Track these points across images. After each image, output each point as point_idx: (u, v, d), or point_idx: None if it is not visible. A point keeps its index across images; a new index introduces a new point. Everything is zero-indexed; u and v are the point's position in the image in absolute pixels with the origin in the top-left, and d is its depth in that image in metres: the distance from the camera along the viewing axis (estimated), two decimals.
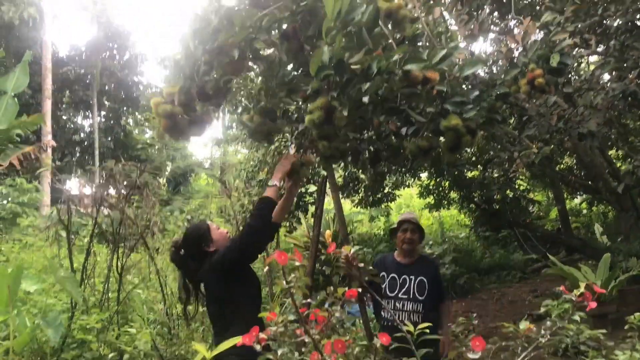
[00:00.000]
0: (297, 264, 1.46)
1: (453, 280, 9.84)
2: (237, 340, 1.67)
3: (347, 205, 12.08)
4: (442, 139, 2.44)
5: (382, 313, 3.72)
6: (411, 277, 3.77)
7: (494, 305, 8.70)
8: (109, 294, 5.65)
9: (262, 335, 1.48)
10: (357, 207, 11.51)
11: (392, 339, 1.61)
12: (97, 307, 5.36)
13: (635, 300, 6.78)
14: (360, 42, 2.09)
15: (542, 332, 1.61)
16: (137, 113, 25.30)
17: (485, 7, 6.57)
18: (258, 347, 1.51)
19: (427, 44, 2.50)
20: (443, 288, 3.98)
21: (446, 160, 3.09)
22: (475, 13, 6.45)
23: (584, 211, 13.26)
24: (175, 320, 5.81)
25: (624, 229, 8.30)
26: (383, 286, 3.70)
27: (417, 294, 3.75)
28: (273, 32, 2.54)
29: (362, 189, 10.53)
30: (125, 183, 6.69)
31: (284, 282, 1.43)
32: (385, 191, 11.05)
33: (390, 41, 2.13)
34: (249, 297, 3.03)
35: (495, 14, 6.87)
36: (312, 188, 9.18)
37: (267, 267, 5.61)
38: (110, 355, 4.55)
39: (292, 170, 2.96)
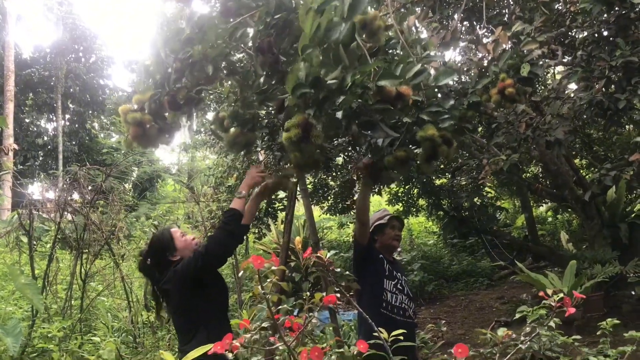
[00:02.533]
0: (273, 268, 1.40)
1: (421, 287, 9.87)
2: (208, 348, 1.60)
3: (316, 211, 12.04)
4: (418, 149, 2.42)
5: (385, 295, 3.60)
6: (398, 273, 3.73)
7: (462, 312, 8.75)
8: (72, 302, 5.48)
9: (235, 343, 1.42)
10: (326, 214, 11.47)
11: (390, 331, 1.58)
12: (59, 315, 5.20)
13: (599, 307, 6.89)
14: (337, 59, 2.05)
15: (522, 338, 1.59)
16: (102, 117, 24.85)
17: (455, 15, 6.65)
18: (230, 356, 1.45)
19: (402, 52, 2.48)
20: None
21: (423, 170, 3.08)
22: (445, 22, 6.51)
23: (550, 219, 13.49)
24: (141, 328, 5.67)
25: (588, 237, 8.44)
26: (385, 267, 3.63)
27: (409, 291, 3.73)
28: (248, 43, 2.51)
29: (332, 196, 10.49)
30: (89, 188, 6.53)
31: (260, 287, 1.37)
32: (355, 198, 11.04)
33: (364, 53, 2.11)
34: (215, 305, 2.97)
35: (466, 23, 6.95)
36: (282, 194, 9.11)
37: (241, 272, 5.53)
38: None
39: (266, 188, 2.94)
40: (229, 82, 2.95)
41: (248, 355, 1.44)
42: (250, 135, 2.79)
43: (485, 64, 3.77)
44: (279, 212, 9.25)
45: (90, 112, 24.24)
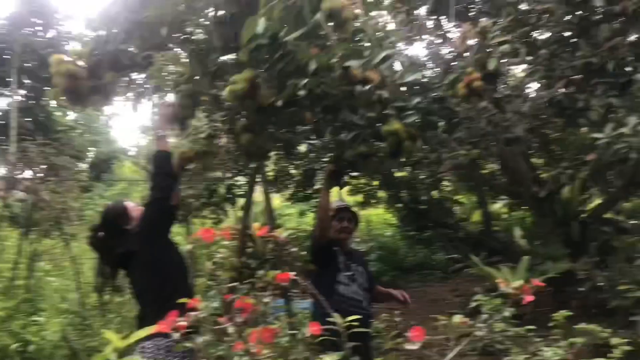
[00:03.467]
0: (225, 242, 1.34)
1: (377, 278, 9.90)
2: (153, 329, 1.53)
3: (277, 199, 11.96)
4: (382, 144, 2.38)
5: (337, 287, 3.60)
6: (354, 264, 3.72)
7: (416, 303, 8.83)
8: (17, 281, 5.29)
9: (181, 323, 1.36)
10: (287, 202, 11.41)
11: (346, 317, 1.55)
12: (3, 295, 5.01)
13: (550, 302, 7.05)
14: (299, 20, 1.98)
15: (478, 325, 1.58)
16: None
17: (422, 8, 6.65)
18: (176, 336, 1.38)
19: (370, 44, 2.44)
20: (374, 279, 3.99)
21: (387, 166, 3.08)
22: (412, 14, 6.50)
23: (505, 215, 13.72)
24: (90, 310, 5.51)
25: (542, 234, 8.63)
26: (339, 259, 3.61)
27: (365, 282, 3.72)
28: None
29: (293, 184, 10.43)
30: (42, 166, 6.31)
31: (210, 262, 1.31)
32: (316, 187, 11.00)
33: (331, 42, 2.05)
34: (176, 263, 2.98)
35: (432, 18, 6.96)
36: (242, 179, 9.00)
37: (191, 246, 5.35)
38: (13, 346, 4.23)
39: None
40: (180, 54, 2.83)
41: (194, 336, 1.37)
42: (267, 142, 2.60)
43: (452, 59, 3.78)
44: (237, 197, 9.13)
45: (46, 88, 23.45)
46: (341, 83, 2.13)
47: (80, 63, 2.45)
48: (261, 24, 1.85)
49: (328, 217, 3.52)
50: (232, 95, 1.95)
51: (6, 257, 5.88)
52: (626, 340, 2.34)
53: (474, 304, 1.82)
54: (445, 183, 10.91)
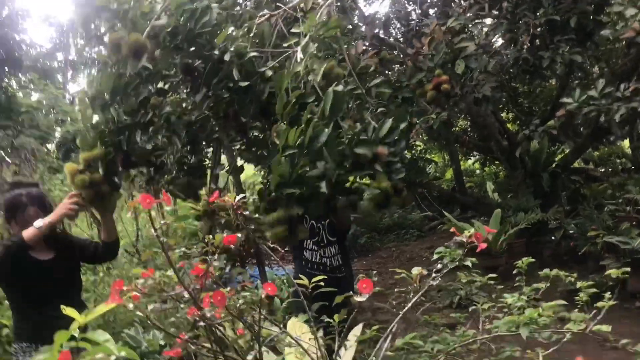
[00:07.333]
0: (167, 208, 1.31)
1: (354, 240, 9.99)
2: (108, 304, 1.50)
3: (250, 170, 11.88)
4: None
5: (305, 254, 3.63)
6: (319, 222, 3.72)
7: (393, 263, 8.95)
8: None
9: (134, 292, 1.33)
10: (259, 172, 11.35)
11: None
12: None
13: (522, 252, 7.17)
14: (320, 157, 1.93)
15: (434, 274, 1.58)
16: (20, 74, 23.41)
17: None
18: (131, 306, 1.35)
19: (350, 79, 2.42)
20: None
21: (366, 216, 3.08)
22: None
23: (477, 171, 13.87)
24: None
25: (513, 187, 8.74)
26: (305, 225, 3.63)
27: (329, 237, 3.73)
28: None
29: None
30: (7, 148, 6.17)
31: (152, 229, 1.28)
32: None
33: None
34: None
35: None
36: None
37: (131, 212, 5.16)
38: None
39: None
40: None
41: (145, 303, 1.35)
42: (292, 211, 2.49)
43: (420, 58, 3.74)
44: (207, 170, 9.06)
45: (6, 69, 22.75)
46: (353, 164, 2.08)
47: (91, 167, 2.36)
48: (286, 166, 1.80)
49: None
50: (275, 238, 1.95)
51: None
52: (591, 283, 2.37)
53: (435, 257, 1.82)
54: (417, 143, 10.94)
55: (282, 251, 7.14)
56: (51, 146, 15.39)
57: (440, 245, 2.02)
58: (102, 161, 2.26)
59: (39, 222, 2.59)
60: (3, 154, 5.73)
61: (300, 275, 2.03)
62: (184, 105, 2.57)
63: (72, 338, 1.64)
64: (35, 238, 2.61)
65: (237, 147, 3.31)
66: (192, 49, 2.14)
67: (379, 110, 2.37)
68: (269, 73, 2.17)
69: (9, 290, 2.90)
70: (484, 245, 1.62)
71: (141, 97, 2.21)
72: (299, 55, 1.91)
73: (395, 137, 1.99)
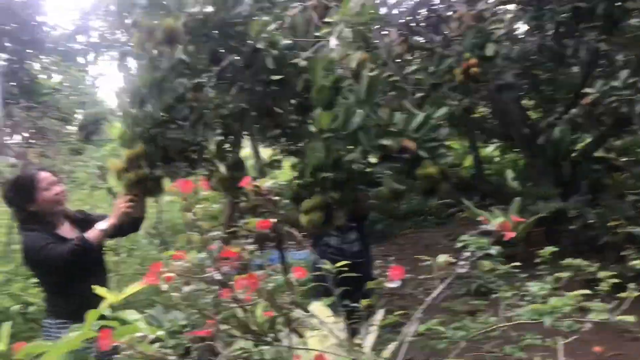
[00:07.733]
0: (204, 193, 1.35)
1: (372, 226, 10.00)
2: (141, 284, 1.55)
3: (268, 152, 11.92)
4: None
5: (328, 240, 3.66)
6: None
7: (411, 250, 8.96)
8: (13, 246, 5.31)
9: (168, 274, 1.37)
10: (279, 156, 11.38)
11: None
12: (1, 259, 5.04)
13: (540, 241, 7.14)
14: (356, 141, 1.96)
15: (461, 262, 1.60)
16: (42, 56, 23.58)
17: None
18: (165, 287, 1.40)
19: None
20: None
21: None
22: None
23: (497, 159, 13.74)
24: None
25: (533, 175, 8.69)
26: None
27: (349, 223, 3.77)
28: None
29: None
30: (31, 130, 6.26)
31: (188, 214, 1.32)
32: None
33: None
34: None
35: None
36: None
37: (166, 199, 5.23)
38: (14, 308, 4.29)
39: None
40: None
41: (179, 285, 1.39)
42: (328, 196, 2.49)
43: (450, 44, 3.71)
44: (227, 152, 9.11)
45: (29, 51, 22.93)
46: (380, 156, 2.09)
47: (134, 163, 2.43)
48: (321, 151, 1.81)
49: None
50: (309, 225, 1.98)
51: (1, 222, 5.89)
52: (612, 273, 2.38)
53: (459, 245, 1.84)
54: None
55: (299, 236, 7.18)
56: (73, 128, 15.60)
57: (459, 233, 2.03)
58: (145, 158, 2.33)
59: (103, 225, 2.71)
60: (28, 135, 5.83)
61: (323, 260, 2.06)
62: (217, 100, 2.59)
63: (103, 317, 1.70)
64: (101, 240, 2.76)
65: (273, 140, 3.35)
66: (224, 38, 2.16)
67: (417, 96, 2.38)
68: (303, 63, 2.17)
69: (47, 273, 2.92)
70: (511, 235, 1.64)
71: (177, 93, 2.25)
72: (333, 41, 1.92)
73: (435, 124, 2.01)
